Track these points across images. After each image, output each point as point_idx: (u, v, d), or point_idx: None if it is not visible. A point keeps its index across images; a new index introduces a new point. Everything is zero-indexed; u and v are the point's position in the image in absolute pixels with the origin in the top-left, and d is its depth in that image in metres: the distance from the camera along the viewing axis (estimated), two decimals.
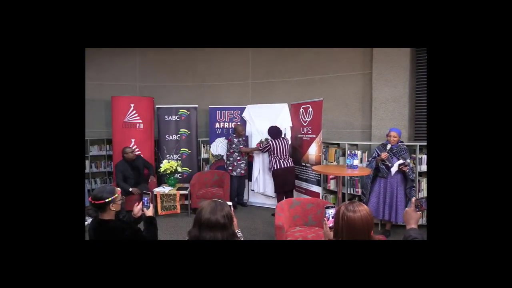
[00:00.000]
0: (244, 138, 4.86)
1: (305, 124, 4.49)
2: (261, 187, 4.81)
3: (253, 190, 4.95)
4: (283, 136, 4.37)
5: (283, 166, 4.17)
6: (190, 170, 5.06)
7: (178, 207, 4.33)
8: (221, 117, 5.14)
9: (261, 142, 4.61)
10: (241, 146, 4.68)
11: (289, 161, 4.26)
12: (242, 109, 5.04)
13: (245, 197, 5.04)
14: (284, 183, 4.21)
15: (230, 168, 4.72)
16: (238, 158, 4.71)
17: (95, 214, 1.76)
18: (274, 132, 4.28)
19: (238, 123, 5.00)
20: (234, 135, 4.73)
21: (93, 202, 1.74)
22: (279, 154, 4.19)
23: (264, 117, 4.76)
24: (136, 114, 4.74)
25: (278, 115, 4.68)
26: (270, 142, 4.22)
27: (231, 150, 4.71)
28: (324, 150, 4.37)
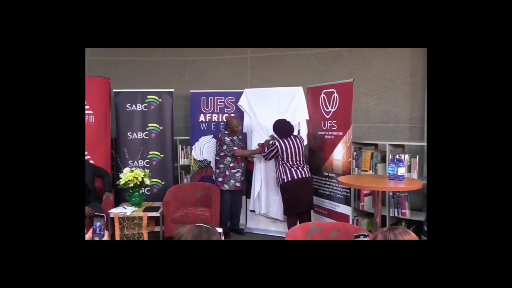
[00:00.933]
0: (240, 137, 4.86)
1: (327, 117, 4.48)
2: (263, 206, 4.81)
3: (253, 211, 4.94)
4: (295, 133, 4.37)
5: (295, 177, 4.17)
6: (163, 183, 5.07)
7: (146, 235, 4.33)
8: (207, 107, 5.15)
9: (267, 142, 4.57)
10: (235, 148, 4.68)
11: (305, 169, 4.26)
12: (238, 95, 5.03)
13: (242, 221, 5.05)
14: (297, 201, 4.21)
15: (220, 179, 4.72)
16: (232, 165, 4.72)
17: None
18: (282, 128, 4.27)
19: (232, 115, 5.00)
20: (226, 132, 4.73)
21: None
22: (289, 159, 4.19)
23: (269, 106, 4.75)
24: (85, 102, 4.74)
25: (289, 103, 4.67)
26: (277, 143, 4.22)
27: (222, 154, 4.71)
28: (355, 153, 4.36)
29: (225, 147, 4.66)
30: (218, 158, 4.78)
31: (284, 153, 4.18)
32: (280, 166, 4.25)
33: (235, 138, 4.74)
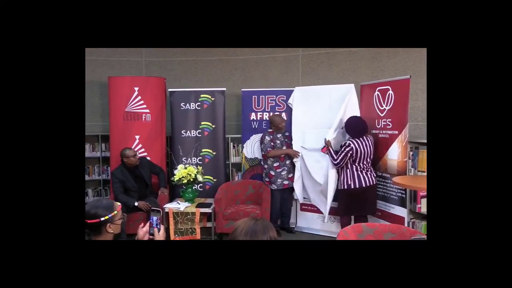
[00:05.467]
0: (286, 133, 4.82)
1: (382, 115, 4.33)
2: (299, 193, 4.71)
3: (304, 209, 4.89)
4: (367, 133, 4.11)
5: (363, 185, 3.95)
6: (215, 180, 5.16)
7: (198, 231, 4.43)
8: (258, 105, 5.17)
9: (326, 144, 4.20)
10: (269, 148, 4.61)
11: (373, 174, 4.07)
12: (289, 93, 4.98)
13: (293, 219, 5.02)
14: (361, 205, 4.07)
15: (267, 179, 4.72)
16: (276, 164, 4.67)
17: (86, 238, 1.84)
18: (357, 126, 3.99)
19: (277, 113, 4.94)
20: (269, 131, 4.71)
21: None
22: (360, 162, 3.98)
23: (321, 104, 4.65)
24: (142, 101, 4.94)
25: (341, 101, 4.50)
26: (352, 144, 3.94)
27: (263, 153, 4.71)
28: (411, 153, 4.19)
29: (262, 146, 4.65)
30: (262, 158, 4.78)
31: (358, 154, 3.95)
32: (348, 170, 4.04)
33: (279, 135, 4.69)
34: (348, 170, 4.04)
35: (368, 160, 4.06)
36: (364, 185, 3.99)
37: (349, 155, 3.96)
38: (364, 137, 4.04)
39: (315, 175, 4.57)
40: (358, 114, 4.46)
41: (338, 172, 4.26)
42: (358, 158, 3.98)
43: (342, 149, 3.99)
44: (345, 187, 4.05)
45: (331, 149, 4.13)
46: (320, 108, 4.64)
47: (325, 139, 4.20)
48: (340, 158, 4.00)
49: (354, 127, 4.04)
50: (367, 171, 4.06)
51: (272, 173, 4.67)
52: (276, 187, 4.66)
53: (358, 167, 4.02)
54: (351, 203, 4.08)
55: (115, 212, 1.88)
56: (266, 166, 4.71)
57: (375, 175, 4.14)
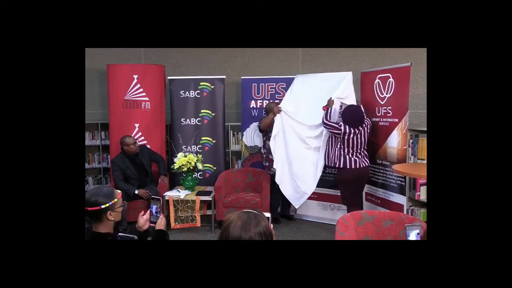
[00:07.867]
0: None
1: (382, 103, 4.33)
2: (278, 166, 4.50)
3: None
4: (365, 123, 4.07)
5: (353, 166, 3.98)
6: (214, 168, 5.18)
7: (198, 218, 4.46)
8: (258, 93, 5.16)
9: (328, 103, 4.19)
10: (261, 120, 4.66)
11: (365, 158, 4.09)
12: (290, 81, 4.92)
13: (293, 206, 5.01)
14: (355, 191, 4.13)
15: (267, 164, 4.74)
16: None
17: (86, 225, 1.86)
18: (353, 117, 3.96)
19: (277, 101, 4.88)
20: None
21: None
22: (350, 147, 4.01)
23: (320, 92, 4.58)
24: (141, 89, 4.93)
25: (337, 88, 4.35)
26: (343, 128, 3.94)
27: (264, 138, 4.73)
28: (411, 141, 4.20)
29: (258, 123, 4.69)
30: (263, 144, 4.82)
31: (345, 140, 3.98)
32: (336, 148, 4.07)
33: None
34: (336, 149, 4.07)
35: (361, 147, 4.05)
36: (358, 166, 4.01)
37: (335, 132, 3.98)
38: (357, 129, 3.98)
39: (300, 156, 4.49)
40: (354, 102, 4.31)
41: (326, 150, 4.26)
42: (347, 144, 3.98)
43: (335, 123, 4.01)
44: (332, 165, 4.13)
45: (330, 109, 4.14)
46: (319, 95, 4.52)
47: (330, 98, 4.20)
48: (327, 124, 4.02)
49: (350, 117, 3.98)
50: (362, 156, 4.07)
51: (270, 157, 4.67)
52: (272, 172, 4.66)
53: (350, 151, 4.01)
54: (351, 190, 4.11)
55: (116, 199, 1.90)
56: (265, 151, 4.73)
57: (368, 160, 4.13)
